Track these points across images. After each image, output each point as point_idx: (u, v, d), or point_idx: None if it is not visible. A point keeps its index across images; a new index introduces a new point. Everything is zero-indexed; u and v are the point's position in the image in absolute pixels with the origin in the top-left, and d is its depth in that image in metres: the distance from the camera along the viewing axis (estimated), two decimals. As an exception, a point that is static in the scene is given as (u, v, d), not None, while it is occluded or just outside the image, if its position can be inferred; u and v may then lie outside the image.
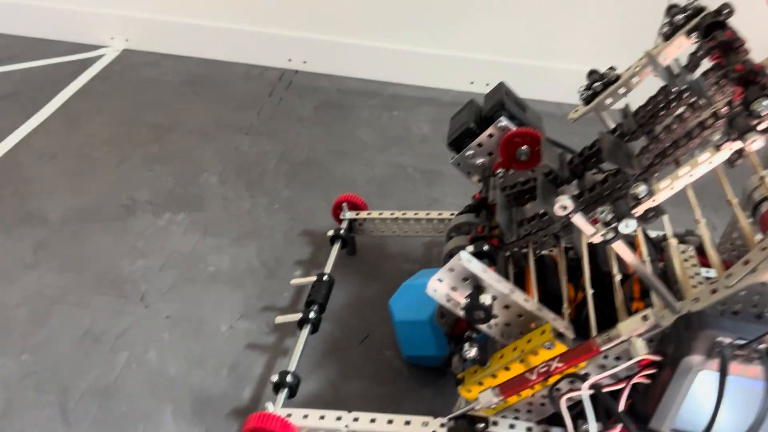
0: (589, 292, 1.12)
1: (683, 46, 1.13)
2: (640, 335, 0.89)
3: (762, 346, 0.77)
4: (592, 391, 0.89)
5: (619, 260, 1.23)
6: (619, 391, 0.88)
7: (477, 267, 0.98)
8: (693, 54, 1.01)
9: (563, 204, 0.88)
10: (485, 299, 0.97)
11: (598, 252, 1.27)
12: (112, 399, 1.26)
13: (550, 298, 1.16)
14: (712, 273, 1.25)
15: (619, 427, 0.87)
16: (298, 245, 1.69)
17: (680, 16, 1.11)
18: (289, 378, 1.17)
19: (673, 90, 1.01)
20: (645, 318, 0.88)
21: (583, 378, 0.90)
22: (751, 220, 1.16)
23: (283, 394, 1.16)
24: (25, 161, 1.95)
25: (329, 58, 2.55)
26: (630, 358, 0.90)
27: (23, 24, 2.67)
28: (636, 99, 1.16)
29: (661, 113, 1.05)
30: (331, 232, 1.57)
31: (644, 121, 1.07)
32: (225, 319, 1.45)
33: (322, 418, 1.10)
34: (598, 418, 0.92)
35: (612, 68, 1.22)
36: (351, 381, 1.33)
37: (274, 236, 1.72)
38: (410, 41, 2.46)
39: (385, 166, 2.04)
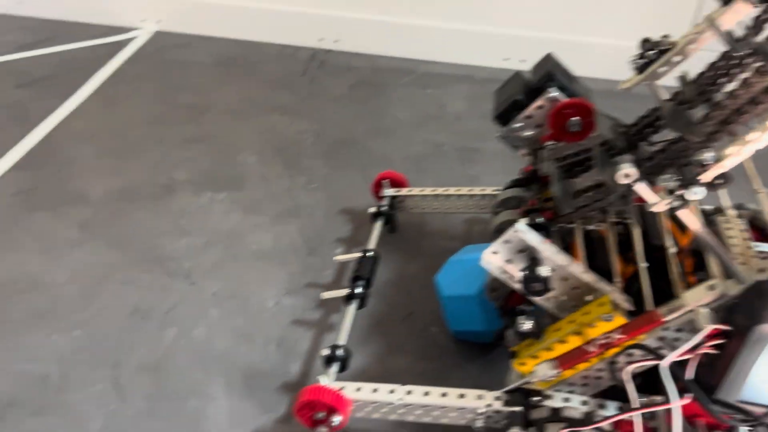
0: (643, 265, 1.10)
1: (741, 11, 1.09)
2: (705, 305, 0.87)
3: (839, 314, 0.75)
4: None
5: (672, 234, 1.21)
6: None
7: (534, 238, 0.97)
8: (757, 17, 0.97)
9: (627, 172, 0.86)
10: (544, 271, 0.96)
11: (648, 226, 1.25)
12: (163, 374, 1.27)
13: (600, 274, 1.14)
14: (765, 248, 1.22)
15: (687, 399, 0.85)
16: (338, 223, 1.69)
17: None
18: (339, 352, 1.17)
19: (736, 55, 0.98)
20: (712, 287, 0.86)
21: (649, 349, 0.88)
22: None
23: (335, 367, 1.16)
24: (64, 142, 1.96)
25: (361, 37, 2.53)
26: (693, 329, 0.88)
27: (56, 8, 2.68)
28: (690, 69, 1.13)
29: (722, 80, 1.02)
30: (372, 209, 1.57)
31: (704, 88, 1.04)
32: (270, 295, 1.46)
33: (375, 390, 1.09)
34: (659, 391, 0.91)
35: (666, 36, 1.19)
36: (397, 356, 1.33)
37: (314, 214, 1.71)
38: (443, 17, 2.43)
39: (421, 143, 2.03)
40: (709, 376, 0.88)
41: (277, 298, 1.45)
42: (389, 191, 1.60)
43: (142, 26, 2.67)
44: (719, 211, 1.50)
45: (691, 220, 0.87)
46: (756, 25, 0.97)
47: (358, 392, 1.10)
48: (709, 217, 1.33)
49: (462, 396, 1.07)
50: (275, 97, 2.24)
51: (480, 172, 1.90)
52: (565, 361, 0.99)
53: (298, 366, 1.30)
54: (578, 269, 0.99)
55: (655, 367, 0.92)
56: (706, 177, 0.84)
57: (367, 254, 1.40)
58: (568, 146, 1.25)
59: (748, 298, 0.82)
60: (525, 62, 1.34)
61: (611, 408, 1.03)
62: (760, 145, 0.83)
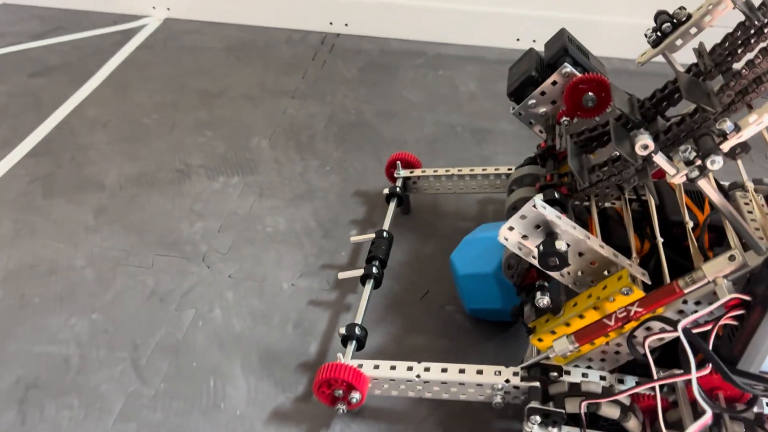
0: (659, 240, 1.10)
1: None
2: (725, 276, 0.86)
3: None
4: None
5: (688, 209, 1.21)
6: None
7: (551, 213, 0.96)
8: (775, -15, 0.96)
9: (644, 143, 0.85)
10: (560, 245, 0.95)
11: (665, 202, 1.24)
12: (181, 355, 1.29)
13: (616, 251, 1.14)
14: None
15: (707, 369, 0.85)
16: (352, 205, 1.69)
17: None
18: (357, 330, 1.18)
19: (754, 24, 0.97)
20: (732, 258, 0.86)
21: (668, 321, 0.88)
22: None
23: (352, 345, 1.16)
24: (79, 129, 1.97)
25: (371, 20, 2.51)
26: (712, 302, 0.88)
27: (67, -4, 2.70)
28: (706, 41, 1.12)
29: (740, 50, 1.01)
30: (386, 191, 1.56)
31: (721, 59, 1.03)
32: (286, 277, 1.46)
33: (393, 368, 1.10)
34: (678, 365, 0.91)
35: (682, 8, 1.17)
36: (414, 335, 1.34)
37: (327, 197, 1.72)
38: (453, -1, 2.41)
39: (433, 125, 2.02)
40: (731, 348, 0.87)
41: (292, 280, 1.46)
42: (402, 172, 1.60)
43: (152, 13, 2.68)
44: (737, 186, 1.50)
45: (711, 190, 0.86)
46: (774, -6, 0.96)
47: (376, 370, 1.10)
48: (728, 193, 1.32)
49: (480, 372, 1.07)
50: (286, 81, 2.24)
51: (493, 152, 1.89)
52: (583, 335, 0.99)
53: (315, 346, 1.31)
54: (595, 243, 0.98)
55: (674, 342, 0.92)
56: (725, 146, 0.83)
57: (383, 235, 1.40)
58: (584, 121, 1.25)
59: (769, 268, 0.81)
60: (536, 42, 1.33)
61: (630, 382, 1.03)
62: (780, 113, 0.82)
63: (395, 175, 1.60)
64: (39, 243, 1.55)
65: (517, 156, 1.36)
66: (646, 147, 0.86)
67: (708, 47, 1.09)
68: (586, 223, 1.22)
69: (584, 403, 0.94)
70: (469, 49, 2.43)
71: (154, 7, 2.67)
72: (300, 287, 1.44)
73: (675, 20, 1.18)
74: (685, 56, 1.12)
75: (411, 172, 1.60)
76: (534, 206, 0.95)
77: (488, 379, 1.06)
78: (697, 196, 1.28)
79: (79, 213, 1.64)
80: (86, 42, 2.48)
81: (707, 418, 0.83)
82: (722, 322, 0.85)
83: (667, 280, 1.00)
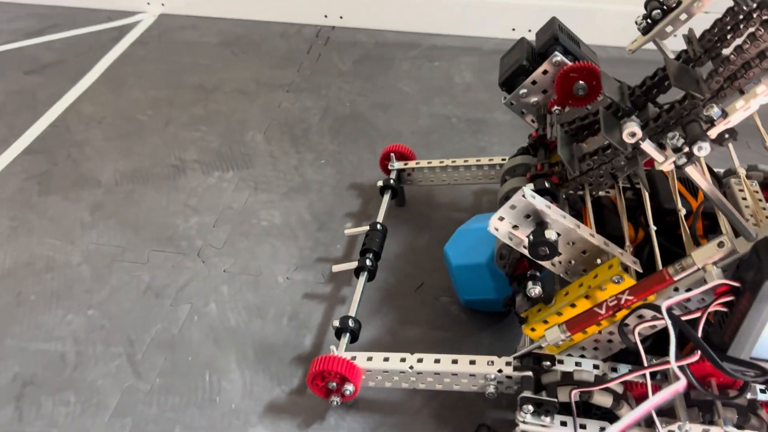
0: (652, 228, 1.10)
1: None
2: (715, 263, 0.86)
3: None
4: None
5: (682, 197, 1.20)
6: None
7: (540, 202, 0.96)
8: (764, -30, 0.95)
9: (632, 131, 0.85)
10: (550, 235, 0.95)
11: (659, 190, 1.24)
12: (177, 350, 1.29)
13: (610, 240, 1.14)
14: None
15: (696, 355, 0.85)
16: (347, 198, 1.69)
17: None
18: (350, 323, 1.18)
19: (743, 9, 0.96)
20: (721, 245, 0.85)
21: (658, 308, 0.88)
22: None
23: (346, 338, 1.17)
24: (74, 126, 1.98)
25: (365, 12, 2.51)
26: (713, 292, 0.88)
27: (62, -7, 2.70)
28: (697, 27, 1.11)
29: (729, 36, 1.01)
30: (380, 183, 1.56)
31: (710, 45, 1.03)
32: (281, 270, 1.46)
33: (386, 360, 1.10)
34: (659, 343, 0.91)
35: (672, -5, 1.16)
36: (409, 327, 1.34)
37: (322, 190, 1.72)
38: (448, -11, 2.40)
39: (429, 117, 2.02)
40: (721, 335, 0.87)
41: (287, 273, 1.46)
42: (396, 164, 1.59)
43: (147, 9, 2.67)
44: (731, 173, 1.49)
45: (699, 176, 0.85)
46: (763, -22, 0.95)
47: (369, 362, 1.11)
48: (721, 179, 1.32)
49: (473, 362, 1.07)
50: (281, 75, 2.23)
51: (488, 143, 1.89)
52: (575, 324, 0.99)
53: (310, 339, 1.31)
54: (585, 232, 0.98)
55: (666, 330, 0.92)
56: (713, 132, 0.83)
57: (376, 227, 1.40)
58: (576, 110, 1.24)
59: (757, 254, 0.80)
60: (532, 32, 1.33)
61: (623, 371, 1.03)
62: (766, 100, 0.82)
63: (389, 168, 1.60)
64: (35, 240, 1.56)
65: (513, 146, 1.36)
66: (633, 134, 0.85)
67: (698, 34, 1.08)
68: (580, 212, 1.22)
69: (575, 392, 0.94)
70: (465, 39, 2.43)
71: (148, 3, 2.67)
72: (295, 280, 1.44)
73: (665, 6, 1.17)
74: (677, 43, 1.11)
75: (405, 164, 1.60)
76: (523, 196, 0.95)
77: (481, 369, 1.06)
78: (691, 184, 1.27)
79: (75, 210, 1.65)
80: (81, 39, 2.48)
81: (680, 385, 0.83)
82: (712, 308, 0.85)
83: (660, 268, 1.00)
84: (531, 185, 1.09)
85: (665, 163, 0.86)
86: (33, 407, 1.19)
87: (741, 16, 0.98)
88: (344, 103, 2.09)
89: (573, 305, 1.00)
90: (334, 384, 1.09)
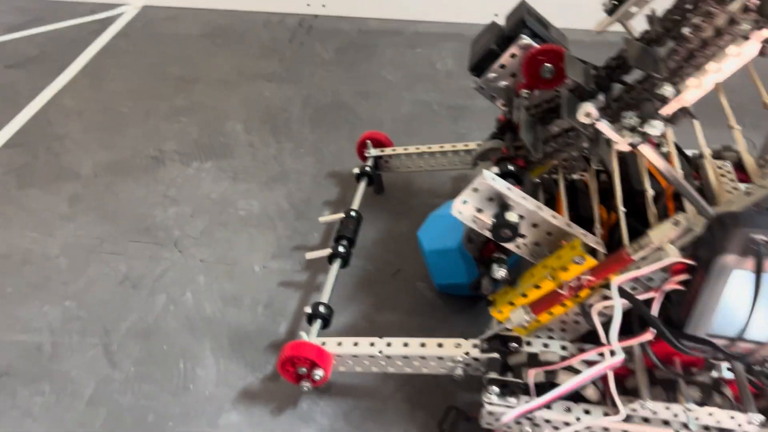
0: (621, 209, 1.10)
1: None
2: (671, 241, 0.86)
3: (799, 241, 0.74)
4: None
5: (653, 178, 1.20)
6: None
7: (501, 184, 0.96)
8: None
9: (587, 111, 0.85)
10: (511, 217, 0.96)
11: (630, 172, 1.24)
12: (152, 339, 1.30)
13: (583, 222, 1.14)
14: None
15: (648, 334, 0.85)
16: (326, 186, 1.70)
17: None
18: (322, 309, 1.18)
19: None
20: (676, 223, 0.86)
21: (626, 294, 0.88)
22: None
23: (317, 324, 1.17)
24: (55, 119, 1.98)
25: (348, 0, 2.50)
26: (664, 267, 0.88)
27: (44, -13, 2.68)
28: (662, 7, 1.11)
29: (688, 15, 1.00)
30: (356, 170, 1.56)
31: (671, 25, 1.03)
32: (258, 259, 1.47)
33: (355, 344, 1.11)
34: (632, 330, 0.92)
35: (637, -25, 1.16)
36: (385, 313, 1.35)
37: (301, 179, 1.72)
38: (430, -24, 2.40)
39: (410, 104, 2.02)
40: (679, 312, 0.88)
41: (264, 262, 1.47)
42: (373, 152, 1.60)
43: (130, 1, 2.66)
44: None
45: (653, 155, 0.86)
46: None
47: (339, 347, 1.11)
48: (691, 159, 1.32)
49: (440, 345, 1.08)
50: (263, 65, 2.23)
51: (469, 129, 1.89)
52: (539, 306, 0.99)
53: (285, 326, 1.32)
54: (547, 214, 0.98)
55: (631, 312, 0.93)
56: (666, 111, 0.83)
57: (350, 214, 1.41)
58: (542, 94, 1.24)
59: (711, 232, 0.81)
60: (515, 18, 1.32)
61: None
62: (720, 77, 0.82)
63: (366, 155, 1.60)
64: (13, 233, 1.56)
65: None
66: (588, 115, 0.86)
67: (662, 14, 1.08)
68: (555, 196, 1.22)
69: (533, 371, 0.95)
70: (447, 26, 2.42)
71: (131, -5, 2.66)
72: (271, 269, 1.45)
73: (630, -13, 1.17)
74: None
75: (382, 151, 1.60)
76: (484, 179, 0.96)
77: (448, 352, 1.07)
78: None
79: (53, 202, 1.65)
80: (64, 32, 2.47)
81: (616, 360, 0.84)
82: (668, 287, 0.86)
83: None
84: (495, 168, 1.10)
85: (621, 143, 0.86)
86: (8, 397, 1.20)
87: (699, -6, 0.97)
88: (326, 91, 2.09)
89: (537, 286, 1.00)
90: (305, 369, 1.10)
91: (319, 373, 1.09)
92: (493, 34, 1.29)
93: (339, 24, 2.47)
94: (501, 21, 1.35)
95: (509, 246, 1.02)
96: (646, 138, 0.83)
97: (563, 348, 1.05)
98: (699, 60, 0.93)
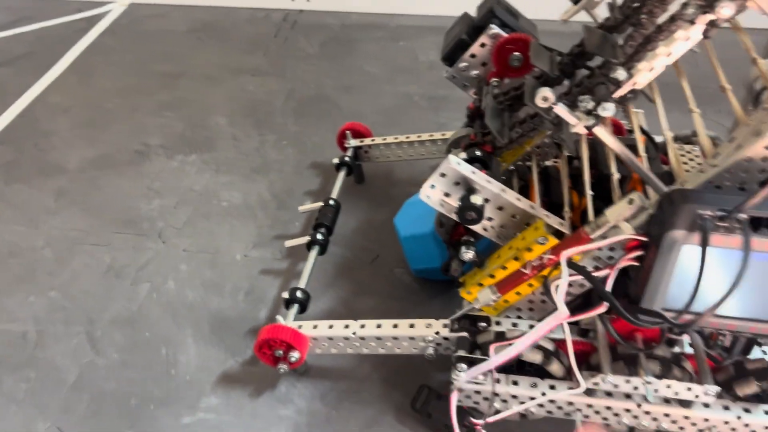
0: (588, 192, 1.13)
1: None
2: (627, 219, 0.90)
3: (742, 216, 0.77)
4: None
5: (620, 162, 1.24)
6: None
7: (466, 168, 1.00)
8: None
9: (544, 95, 0.88)
10: (476, 199, 0.99)
11: (599, 157, 1.27)
12: (135, 327, 1.33)
13: (556, 207, 1.17)
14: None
15: (604, 306, 0.89)
16: (308, 177, 1.73)
17: None
18: (299, 294, 1.22)
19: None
20: (631, 201, 0.89)
21: (575, 266, 0.91)
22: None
23: (294, 308, 1.21)
24: (42, 116, 2.00)
25: (333, -5, 2.53)
26: (623, 247, 0.91)
27: (30, -14, 2.71)
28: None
29: (648, 1, 1.03)
30: (335, 160, 1.60)
31: (630, 11, 1.06)
32: (239, 248, 1.50)
33: (330, 327, 1.14)
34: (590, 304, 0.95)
35: (600, -37, 1.19)
36: (363, 298, 1.38)
37: (283, 170, 1.75)
38: (412, -30, 2.42)
39: (392, 96, 2.05)
40: (635, 288, 0.91)
41: (245, 251, 1.50)
42: (353, 142, 1.63)
43: (116, -1, 2.69)
44: (677, 139, 1.53)
45: (608, 137, 0.89)
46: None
47: (315, 329, 1.14)
48: (656, 143, 1.35)
49: (412, 326, 1.11)
50: (247, 59, 2.26)
51: (449, 119, 1.92)
52: (504, 285, 1.03)
53: (265, 312, 1.35)
54: (511, 196, 1.02)
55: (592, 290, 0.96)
56: (618, 94, 0.86)
57: (329, 202, 1.44)
58: (515, 81, 1.27)
59: (662, 206, 0.84)
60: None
61: (558, 330, 1.07)
62: (669, 60, 0.85)
63: (345, 145, 1.63)
64: (0, 227, 1.59)
65: (472, 122, 1.39)
66: (546, 99, 0.89)
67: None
68: (528, 183, 1.25)
69: (493, 346, 0.98)
70: (430, 19, 2.45)
71: (118, -7, 2.68)
72: (252, 257, 1.48)
73: (594, -24, 1.20)
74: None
75: (361, 142, 1.63)
76: (449, 163, 0.99)
77: (419, 332, 1.10)
78: (632, 150, 1.31)
79: (39, 197, 1.68)
80: (51, 30, 2.50)
81: (563, 315, 0.87)
82: (623, 263, 0.89)
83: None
84: (463, 154, 1.13)
85: (577, 126, 0.89)
86: (-6, 385, 1.23)
87: (655, -19, 1.00)
88: (309, 84, 2.12)
89: (504, 267, 1.03)
90: (281, 351, 1.13)
91: (295, 355, 1.12)
92: (464, 24, 1.32)
93: (323, 18, 2.50)
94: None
95: (476, 228, 1.05)
96: (599, 120, 0.86)
97: (531, 327, 1.08)
98: (653, 45, 0.96)
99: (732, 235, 0.79)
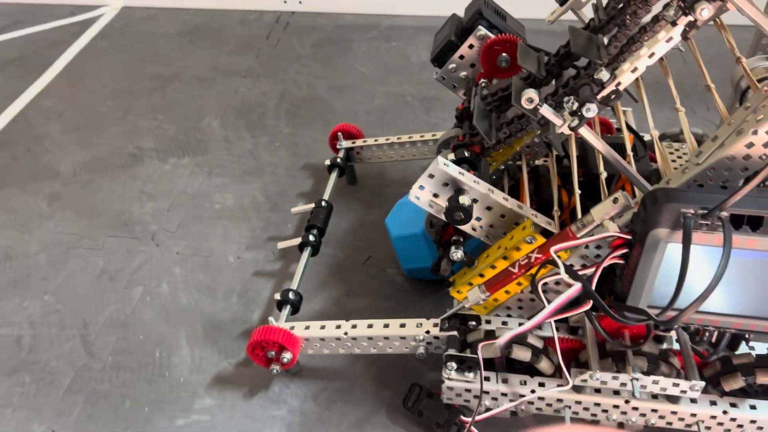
0: (576, 191, 1.14)
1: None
2: (612, 218, 0.91)
3: (724, 214, 0.78)
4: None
5: (607, 161, 1.25)
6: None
7: (453, 170, 1.01)
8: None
9: (529, 97, 0.89)
10: (464, 200, 1.00)
11: (588, 156, 1.28)
12: (129, 329, 1.34)
13: (546, 207, 1.18)
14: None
15: (588, 304, 0.90)
16: (301, 179, 1.74)
17: None
18: (291, 295, 1.23)
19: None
20: (615, 201, 0.90)
21: (558, 264, 0.92)
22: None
23: (286, 309, 1.22)
24: (34, 120, 2.01)
25: (325, -4, 2.54)
26: (609, 245, 0.93)
27: (23, -10, 2.71)
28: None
29: (631, 3, 1.05)
30: (327, 162, 1.61)
31: (615, 12, 1.07)
32: (232, 250, 1.51)
33: (322, 327, 1.15)
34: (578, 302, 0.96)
35: (586, -35, 1.21)
36: (355, 298, 1.39)
37: (276, 172, 1.76)
38: (404, -30, 2.43)
39: (384, 96, 2.06)
40: (621, 286, 0.92)
41: (238, 253, 1.51)
42: (344, 143, 1.64)
43: (109, 2, 2.69)
44: (666, 137, 1.54)
45: (592, 137, 0.90)
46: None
47: (307, 330, 1.15)
48: (644, 142, 1.36)
49: (403, 326, 1.12)
50: (240, 61, 2.27)
51: (441, 119, 1.93)
52: (492, 284, 1.04)
53: (258, 314, 1.36)
54: (499, 196, 1.03)
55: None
56: (602, 94, 0.87)
57: (321, 204, 1.45)
58: (504, 82, 1.29)
59: (644, 207, 0.85)
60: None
61: (547, 328, 1.08)
62: (652, 61, 0.86)
63: (337, 147, 1.64)
64: (-6, 232, 1.60)
65: (464, 122, 1.40)
66: (531, 100, 0.90)
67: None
68: (519, 182, 1.26)
69: (481, 345, 0.99)
70: (422, 19, 2.46)
71: (110, -4, 2.69)
72: (245, 260, 1.49)
73: (580, -23, 1.21)
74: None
75: (353, 143, 1.64)
76: (437, 164, 1.00)
77: (410, 332, 1.11)
78: (620, 148, 1.32)
79: (33, 201, 1.69)
80: (43, 35, 2.50)
81: (576, 288, 0.88)
82: (608, 261, 0.90)
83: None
84: (451, 155, 1.14)
85: (562, 126, 0.90)
86: (-11, 389, 1.24)
87: (638, -18, 1.02)
88: (301, 86, 2.13)
89: (493, 266, 1.05)
90: (273, 353, 1.14)
91: (287, 356, 1.13)
92: (452, 25, 1.33)
93: (315, 20, 2.51)
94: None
95: (465, 228, 1.06)
96: (584, 121, 0.87)
97: (520, 325, 1.09)
98: (637, 45, 0.97)
99: (714, 232, 0.80)
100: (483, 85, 1.27)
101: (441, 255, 1.14)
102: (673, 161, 1.44)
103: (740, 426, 1.00)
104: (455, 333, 1.08)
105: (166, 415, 1.18)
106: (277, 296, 1.23)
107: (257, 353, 1.15)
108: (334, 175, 1.58)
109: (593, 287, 0.88)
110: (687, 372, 0.99)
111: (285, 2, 2.58)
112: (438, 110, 1.97)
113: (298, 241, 1.37)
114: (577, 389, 1.02)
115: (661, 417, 1.02)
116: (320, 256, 1.41)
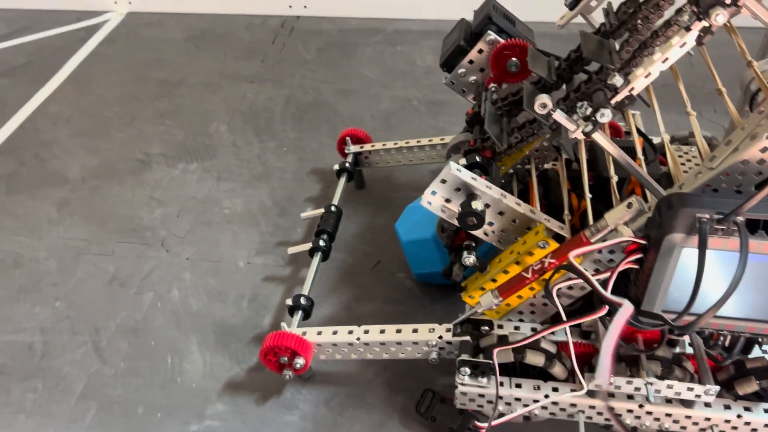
0: (587, 195, 1.14)
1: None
2: (626, 223, 0.91)
3: (739, 219, 0.78)
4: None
5: (618, 165, 1.25)
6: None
7: (466, 175, 1.01)
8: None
9: (543, 102, 0.90)
10: (477, 205, 1.00)
11: (598, 160, 1.28)
12: (140, 335, 1.34)
13: (555, 210, 1.18)
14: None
15: (605, 309, 0.90)
16: (308, 183, 1.74)
17: None
18: (302, 300, 1.23)
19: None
20: (630, 205, 0.90)
21: (573, 269, 0.92)
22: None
23: (298, 315, 1.22)
24: (42, 126, 2.02)
25: (329, 0, 2.54)
26: (623, 250, 0.93)
27: (31, -3, 2.73)
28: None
29: (643, 7, 1.05)
30: (336, 167, 1.61)
31: (626, 17, 1.07)
32: (242, 256, 1.51)
33: (334, 333, 1.15)
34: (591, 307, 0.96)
35: (595, -31, 1.21)
36: (364, 303, 1.39)
37: (284, 177, 1.76)
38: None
39: (390, 100, 2.06)
40: (636, 290, 0.92)
41: (248, 258, 1.51)
42: (353, 148, 1.64)
43: (114, 8, 2.70)
44: (675, 140, 1.54)
45: (606, 142, 0.90)
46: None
47: (319, 336, 1.16)
48: (655, 146, 1.37)
49: (415, 331, 1.12)
50: (246, 66, 2.27)
51: (448, 123, 1.94)
52: (505, 289, 1.04)
53: (269, 319, 1.36)
54: (511, 201, 1.03)
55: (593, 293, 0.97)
56: (615, 99, 0.87)
57: (331, 209, 1.45)
58: (510, 88, 1.29)
59: (659, 212, 0.85)
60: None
61: (560, 333, 1.08)
62: (665, 66, 0.86)
63: (346, 152, 1.64)
64: (3, 238, 1.60)
65: (471, 126, 1.41)
66: (544, 106, 0.90)
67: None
68: (528, 186, 1.26)
69: (496, 351, 1.00)
70: (427, 23, 2.47)
71: (116, 2, 2.69)
72: (255, 265, 1.49)
73: (590, -19, 1.21)
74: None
75: (361, 148, 1.65)
76: (450, 169, 1.00)
77: (423, 337, 1.11)
78: (630, 152, 1.32)
79: (42, 207, 1.69)
80: (50, 41, 2.51)
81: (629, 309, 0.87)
82: (622, 266, 0.90)
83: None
84: (463, 160, 1.14)
85: (576, 132, 0.90)
86: (2, 394, 1.24)
87: (650, -13, 1.02)
88: (307, 90, 2.13)
89: (506, 271, 1.05)
90: (286, 358, 1.14)
91: (299, 362, 1.14)
92: (461, 30, 1.34)
93: (321, 24, 2.52)
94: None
95: (477, 233, 1.06)
96: (597, 126, 0.87)
97: (533, 330, 1.09)
98: (650, 50, 0.98)
99: (730, 237, 0.80)
100: (493, 89, 1.27)
101: (453, 260, 1.15)
102: (683, 164, 1.44)
103: (754, 430, 1.00)
104: (468, 338, 1.08)
105: (179, 421, 1.18)
106: (289, 301, 1.24)
107: (270, 359, 1.15)
108: (342, 180, 1.58)
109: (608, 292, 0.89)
110: (701, 376, 0.99)
111: (290, 7, 2.58)
112: (445, 114, 1.97)
113: (308, 246, 1.37)
114: (591, 394, 1.02)
115: (675, 421, 1.02)
116: (329, 260, 1.41)
